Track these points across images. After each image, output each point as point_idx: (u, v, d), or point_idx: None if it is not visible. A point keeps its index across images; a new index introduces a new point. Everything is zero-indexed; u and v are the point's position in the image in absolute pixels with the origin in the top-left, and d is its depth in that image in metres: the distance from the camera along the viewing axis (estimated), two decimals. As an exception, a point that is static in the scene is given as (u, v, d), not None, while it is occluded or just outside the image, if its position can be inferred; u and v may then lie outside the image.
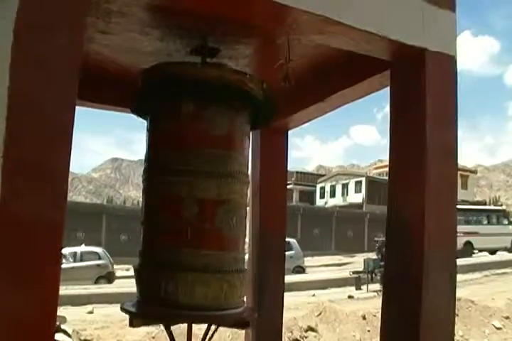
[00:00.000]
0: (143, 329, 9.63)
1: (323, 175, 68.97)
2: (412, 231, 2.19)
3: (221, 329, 2.52)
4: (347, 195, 56.80)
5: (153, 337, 8.66)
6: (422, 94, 2.22)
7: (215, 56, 2.54)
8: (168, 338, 2.59)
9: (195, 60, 2.51)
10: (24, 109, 1.46)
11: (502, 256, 24.80)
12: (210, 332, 2.52)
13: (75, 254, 20.13)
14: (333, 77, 2.83)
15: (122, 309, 2.42)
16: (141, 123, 2.68)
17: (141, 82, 2.51)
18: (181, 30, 2.37)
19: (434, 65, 2.23)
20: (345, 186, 57.40)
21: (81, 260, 20.24)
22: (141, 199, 2.58)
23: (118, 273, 21.68)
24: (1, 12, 1.46)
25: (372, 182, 54.06)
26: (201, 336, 2.55)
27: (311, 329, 9.21)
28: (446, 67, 2.29)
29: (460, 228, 23.22)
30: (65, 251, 18.46)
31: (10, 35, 1.44)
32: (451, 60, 2.30)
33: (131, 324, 2.42)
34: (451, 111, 2.31)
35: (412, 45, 2.20)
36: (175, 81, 2.37)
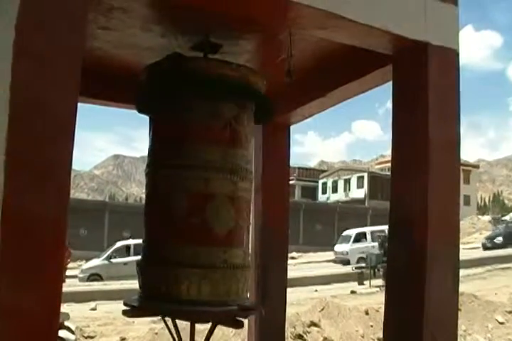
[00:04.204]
0: (146, 326, 9.68)
1: (326, 171, 69.01)
2: (415, 226, 2.18)
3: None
4: (349, 190, 56.82)
5: (156, 333, 8.68)
6: (425, 88, 2.21)
7: (217, 52, 2.54)
8: (172, 334, 2.59)
9: (198, 55, 2.50)
10: (26, 105, 1.46)
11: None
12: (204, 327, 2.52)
13: None
14: (335, 72, 2.82)
15: (125, 304, 2.43)
16: (143, 121, 2.67)
17: (144, 78, 2.51)
18: (183, 25, 2.37)
19: (436, 59, 2.22)
20: (347, 181, 57.41)
21: None
22: (143, 196, 2.57)
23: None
24: (2, 8, 1.46)
25: (374, 178, 54.08)
26: (205, 331, 2.56)
27: (314, 324, 9.23)
28: (448, 61, 2.27)
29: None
30: None
31: (12, 30, 1.44)
32: (454, 54, 2.29)
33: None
34: (454, 106, 2.30)
35: (414, 40, 2.19)
36: (177, 76, 2.36)
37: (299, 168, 61.59)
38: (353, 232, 29.78)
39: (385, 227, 28.77)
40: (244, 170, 2.48)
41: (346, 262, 26.68)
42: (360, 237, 29.07)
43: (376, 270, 18.58)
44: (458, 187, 2.32)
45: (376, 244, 26.81)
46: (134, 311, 2.44)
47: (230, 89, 2.38)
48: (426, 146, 2.18)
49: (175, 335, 2.62)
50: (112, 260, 22.18)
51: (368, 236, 28.76)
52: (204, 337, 2.51)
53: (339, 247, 29.21)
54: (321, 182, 61.16)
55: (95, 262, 22.91)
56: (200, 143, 2.38)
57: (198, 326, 2.55)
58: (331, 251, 30.85)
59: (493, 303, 10.92)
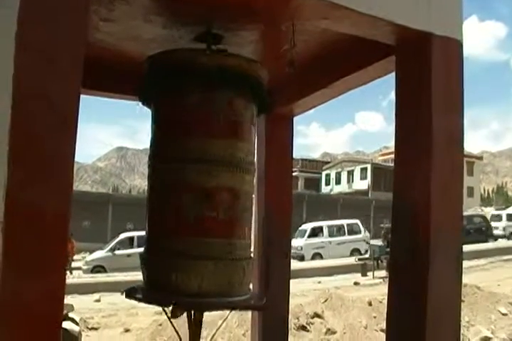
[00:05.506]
0: (150, 317, 9.72)
1: (329, 162, 68.88)
2: (418, 217, 2.18)
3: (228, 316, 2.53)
4: (352, 181, 56.72)
5: (160, 325, 8.71)
6: (428, 79, 2.19)
7: (219, 43, 2.53)
8: (174, 326, 2.60)
9: (200, 46, 2.49)
10: (29, 98, 1.46)
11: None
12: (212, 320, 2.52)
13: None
14: (337, 63, 2.81)
15: (128, 295, 2.43)
16: (146, 112, 2.67)
17: (146, 70, 2.50)
18: (185, 16, 2.36)
19: (439, 49, 2.20)
20: (350, 173, 57.30)
21: None
22: (146, 188, 2.58)
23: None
24: (4, 0, 1.45)
25: (377, 169, 53.93)
26: (206, 323, 2.56)
27: (317, 315, 9.24)
28: (452, 51, 2.26)
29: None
30: None
31: (14, 24, 1.44)
32: (457, 44, 2.27)
33: (173, 315, 2.37)
34: (457, 96, 2.29)
35: (417, 30, 2.17)
36: (180, 68, 2.36)
37: (302, 160, 61.49)
38: (308, 226, 27.67)
39: (344, 222, 28.39)
40: (247, 163, 2.48)
41: (301, 257, 25.26)
42: (316, 232, 27.33)
43: (379, 261, 18.61)
44: (461, 178, 2.31)
45: (334, 239, 26.67)
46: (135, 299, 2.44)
47: (230, 80, 2.37)
48: (429, 138, 2.17)
49: (177, 327, 2.63)
50: (115, 252, 22.28)
51: (325, 231, 27.26)
52: (207, 329, 2.53)
53: (294, 242, 25.67)
54: (324, 173, 61.08)
55: (99, 254, 22.99)
56: (200, 136, 2.37)
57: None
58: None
59: (496, 295, 10.91)
